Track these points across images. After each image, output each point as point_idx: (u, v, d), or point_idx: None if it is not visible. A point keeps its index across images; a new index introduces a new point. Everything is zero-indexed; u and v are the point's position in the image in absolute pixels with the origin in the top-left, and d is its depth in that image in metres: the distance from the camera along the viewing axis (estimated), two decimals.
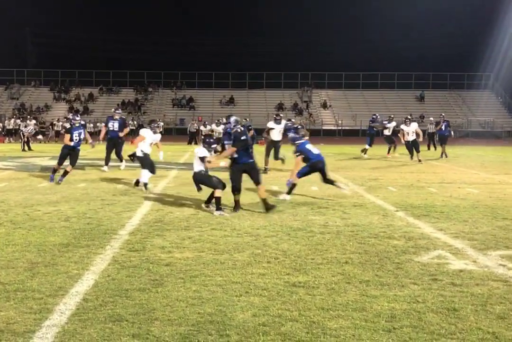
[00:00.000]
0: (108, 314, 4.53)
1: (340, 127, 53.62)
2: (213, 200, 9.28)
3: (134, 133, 30.48)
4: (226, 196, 9.46)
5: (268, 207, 9.18)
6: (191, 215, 8.91)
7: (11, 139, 36.56)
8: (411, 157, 20.15)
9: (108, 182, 13.28)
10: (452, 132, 26.56)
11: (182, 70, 61.62)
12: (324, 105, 58.13)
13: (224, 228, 7.92)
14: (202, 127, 33.92)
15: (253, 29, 68.90)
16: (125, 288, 5.18)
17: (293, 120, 15.33)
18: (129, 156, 13.49)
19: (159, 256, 6.33)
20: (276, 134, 16.10)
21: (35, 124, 32.67)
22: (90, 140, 14.93)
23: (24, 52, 71.23)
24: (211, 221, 8.40)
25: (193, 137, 34.34)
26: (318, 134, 50.08)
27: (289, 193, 10.73)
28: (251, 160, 9.36)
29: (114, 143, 16.03)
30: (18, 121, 36.56)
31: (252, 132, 14.64)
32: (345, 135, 49.82)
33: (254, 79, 61.25)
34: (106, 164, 15.94)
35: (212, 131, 30.05)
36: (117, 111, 16.64)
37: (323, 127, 53.34)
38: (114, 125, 16.06)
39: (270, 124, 16.28)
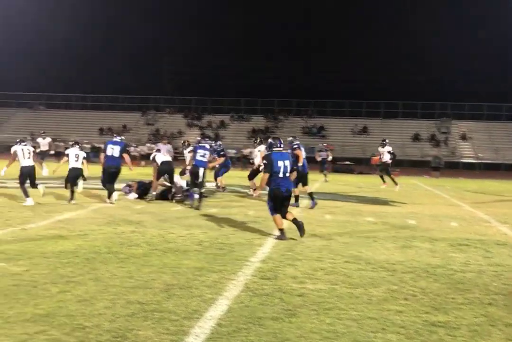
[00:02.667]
0: (242, 341, 4.63)
1: (480, 161, 51.60)
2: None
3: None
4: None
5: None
6: (323, 246, 8.91)
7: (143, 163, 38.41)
8: None
9: (238, 208, 13.61)
10: None
11: (314, 98, 62.24)
12: (464, 137, 56.27)
13: (358, 261, 7.85)
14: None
15: (390, 57, 68.60)
16: (258, 315, 5.27)
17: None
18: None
19: (291, 285, 6.39)
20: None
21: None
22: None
23: (161, 80, 75.27)
24: (343, 253, 8.36)
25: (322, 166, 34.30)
26: (457, 167, 48.52)
27: None
28: None
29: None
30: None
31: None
32: (486, 169, 47.85)
33: (389, 108, 60.64)
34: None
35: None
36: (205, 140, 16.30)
37: (462, 160, 51.60)
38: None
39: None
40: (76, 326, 4.83)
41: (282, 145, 9.88)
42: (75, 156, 13.65)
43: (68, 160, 13.69)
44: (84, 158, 13.80)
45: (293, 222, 9.54)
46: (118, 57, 74.54)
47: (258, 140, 17.69)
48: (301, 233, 9.40)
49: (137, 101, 64.23)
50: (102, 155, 14.19)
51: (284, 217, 9.60)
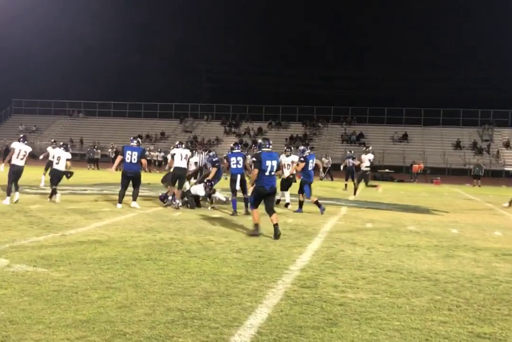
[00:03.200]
0: None
1: None
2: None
3: None
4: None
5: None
6: (364, 255, 8.84)
7: None
8: None
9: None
10: None
11: (353, 105, 62.03)
12: (507, 145, 55.36)
13: (400, 270, 7.77)
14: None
15: (430, 63, 68.03)
16: (298, 324, 5.25)
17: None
18: None
19: (332, 295, 6.34)
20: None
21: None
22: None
23: (199, 87, 75.88)
24: (385, 263, 8.28)
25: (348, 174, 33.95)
26: (500, 176, 47.81)
27: None
28: None
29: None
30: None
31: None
32: None
33: (429, 116, 60.04)
34: None
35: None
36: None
37: (505, 168, 50.79)
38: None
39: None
40: (116, 333, 4.87)
41: (270, 146, 10.78)
42: (56, 159, 14.82)
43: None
44: (67, 160, 14.85)
45: (274, 226, 10.23)
46: (156, 65, 75.47)
47: (289, 150, 17.33)
48: (275, 236, 10.11)
49: (175, 108, 64.84)
50: (118, 159, 14.66)
51: (270, 215, 10.45)
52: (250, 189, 11.24)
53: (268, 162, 10.42)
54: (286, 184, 15.66)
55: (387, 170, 41.14)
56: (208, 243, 9.39)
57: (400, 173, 44.66)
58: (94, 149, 41.51)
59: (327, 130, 61.02)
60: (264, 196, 10.53)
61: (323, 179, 33.19)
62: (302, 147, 15.23)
